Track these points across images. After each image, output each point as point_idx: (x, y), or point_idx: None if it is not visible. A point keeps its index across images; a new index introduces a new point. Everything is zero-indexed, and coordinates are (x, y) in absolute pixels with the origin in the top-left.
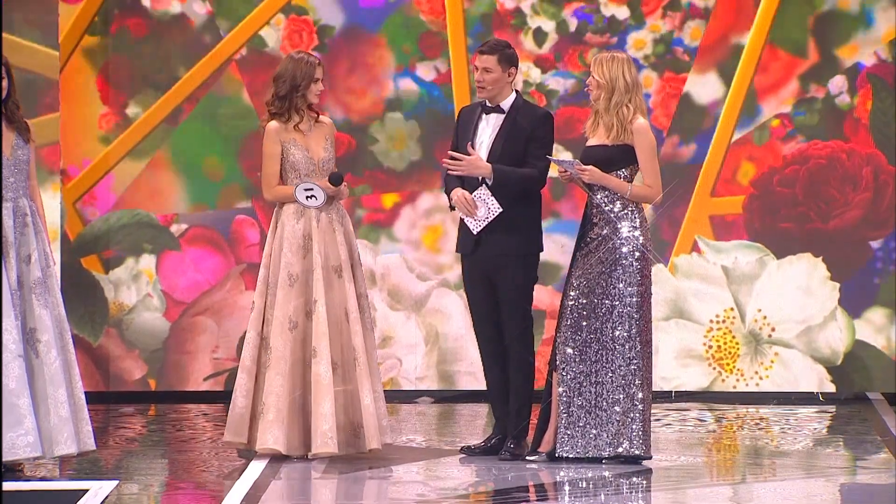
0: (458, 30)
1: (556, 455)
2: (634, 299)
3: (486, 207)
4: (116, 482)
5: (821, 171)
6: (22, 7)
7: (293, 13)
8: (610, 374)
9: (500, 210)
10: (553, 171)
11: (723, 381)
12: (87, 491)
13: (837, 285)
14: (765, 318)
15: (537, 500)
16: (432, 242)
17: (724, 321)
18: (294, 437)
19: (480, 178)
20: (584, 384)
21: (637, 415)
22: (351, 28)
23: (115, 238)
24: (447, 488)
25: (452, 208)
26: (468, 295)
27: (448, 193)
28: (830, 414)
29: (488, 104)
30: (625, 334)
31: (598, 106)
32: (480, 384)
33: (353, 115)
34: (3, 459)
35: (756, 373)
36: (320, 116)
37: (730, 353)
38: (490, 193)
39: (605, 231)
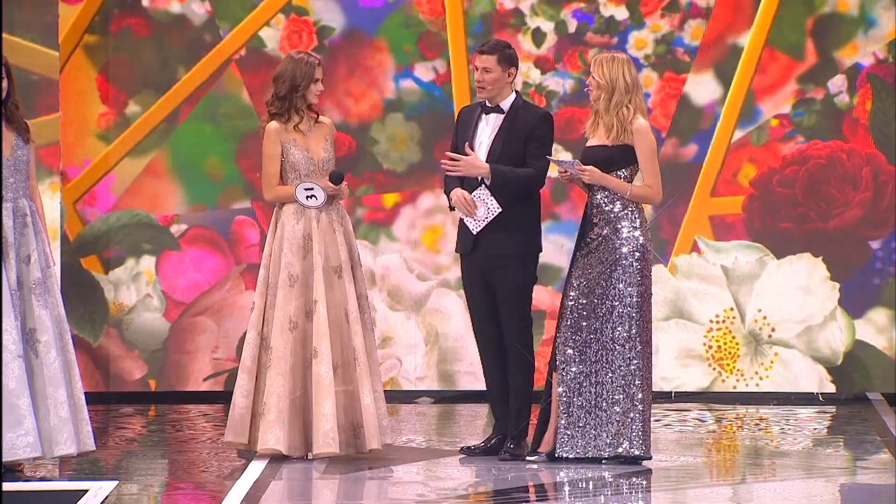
0: (458, 30)
1: (556, 455)
2: (634, 299)
3: (486, 207)
4: (116, 482)
5: (821, 171)
6: (22, 7)
7: (293, 13)
8: (610, 375)
9: (500, 210)
10: (553, 171)
11: (723, 381)
12: (86, 491)
13: (837, 285)
14: (765, 318)
15: (537, 501)
16: (432, 242)
17: (724, 321)
18: (295, 437)
19: (479, 178)
20: (584, 384)
21: (637, 415)
22: (351, 29)
23: (114, 238)
24: (447, 488)
25: (452, 208)
26: (467, 295)
27: (448, 194)
28: (830, 414)
29: (488, 104)
30: (625, 334)
31: (597, 106)
32: (480, 384)
33: (353, 117)
34: (3, 460)
35: (756, 373)
36: (320, 117)
37: (730, 353)
38: (489, 193)
39: (605, 231)
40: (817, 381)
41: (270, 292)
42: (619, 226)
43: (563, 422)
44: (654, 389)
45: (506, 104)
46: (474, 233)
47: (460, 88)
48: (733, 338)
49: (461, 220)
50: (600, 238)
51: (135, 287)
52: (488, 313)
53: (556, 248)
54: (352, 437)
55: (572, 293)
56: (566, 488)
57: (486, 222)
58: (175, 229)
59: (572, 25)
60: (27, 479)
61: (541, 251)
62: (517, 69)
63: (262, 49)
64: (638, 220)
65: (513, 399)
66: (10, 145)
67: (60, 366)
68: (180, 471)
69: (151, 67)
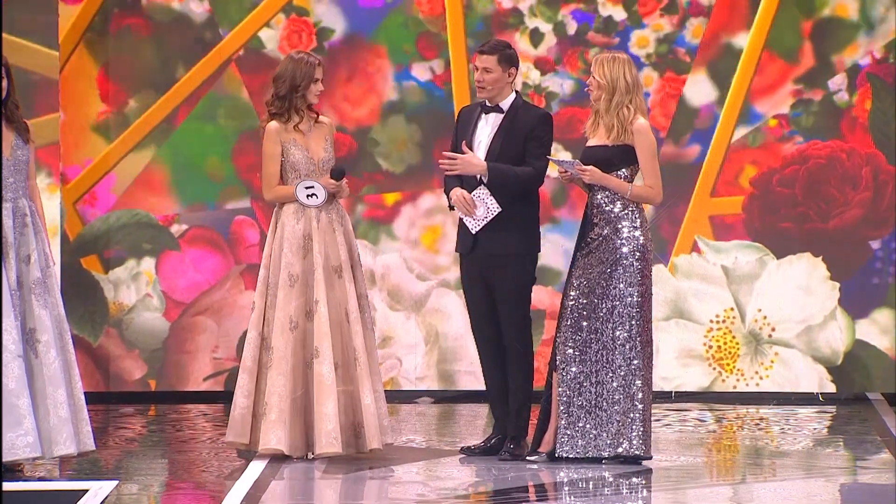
0: (458, 30)
1: (556, 455)
2: (635, 299)
3: (485, 207)
4: (116, 482)
5: (820, 171)
6: (22, 7)
7: (294, 13)
8: (610, 375)
9: (499, 210)
10: (553, 171)
11: (723, 381)
12: (86, 491)
13: (837, 285)
14: (765, 317)
15: (537, 501)
16: (431, 242)
17: (724, 321)
18: (296, 437)
19: (478, 177)
20: (585, 384)
21: (637, 415)
22: (351, 30)
23: (114, 238)
24: (447, 488)
25: (452, 208)
26: (466, 295)
27: (447, 193)
28: (830, 414)
29: (488, 104)
30: (625, 334)
31: (598, 106)
32: (480, 384)
33: (354, 118)
34: (3, 460)
35: (756, 373)
36: (320, 116)
37: (730, 353)
38: (489, 193)
39: (605, 231)
40: (817, 380)
41: (271, 292)
42: (620, 226)
43: (563, 422)
44: (654, 389)
45: (505, 104)
46: (473, 232)
47: (460, 88)
48: (733, 338)
49: (461, 220)
50: (601, 238)
51: (135, 287)
52: (487, 313)
53: (555, 249)
54: (352, 437)
55: (572, 293)
56: (566, 488)
57: (485, 222)
58: (175, 229)
59: (572, 27)
60: (27, 479)
61: (539, 251)
62: (517, 69)
63: (262, 49)
64: (638, 220)
65: (512, 399)
66: (10, 145)
67: (60, 366)
68: (180, 471)
69: (151, 67)
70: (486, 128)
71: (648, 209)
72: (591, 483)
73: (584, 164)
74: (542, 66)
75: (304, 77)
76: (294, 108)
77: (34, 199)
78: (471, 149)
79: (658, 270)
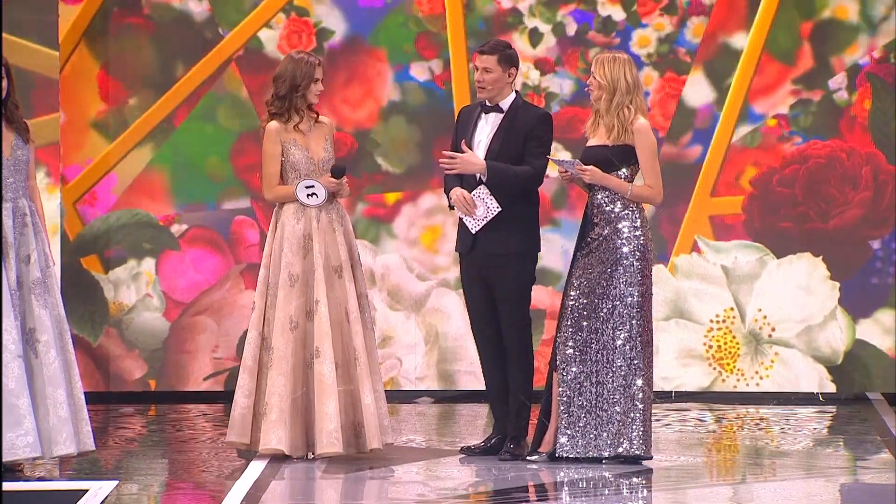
0: (458, 30)
1: (556, 455)
2: (635, 299)
3: (485, 206)
4: (116, 482)
5: (820, 171)
6: (22, 7)
7: (294, 13)
8: (610, 375)
9: (499, 209)
10: (553, 171)
11: (723, 381)
12: (86, 491)
13: (837, 285)
14: (765, 317)
15: (537, 501)
16: (430, 242)
17: (724, 321)
18: (296, 437)
19: (477, 176)
20: (585, 384)
21: (637, 415)
22: (351, 30)
23: (115, 238)
24: (447, 488)
25: (452, 207)
26: (466, 295)
27: (447, 193)
28: (830, 414)
29: (488, 104)
30: (625, 334)
31: (598, 106)
32: (480, 384)
33: (353, 120)
34: (3, 460)
35: (756, 373)
36: (320, 116)
37: (730, 352)
38: (489, 193)
39: (605, 231)
40: (817, 380)
41: (271, 292)
42: (620, 226)
43: (563, 422)
44: (654, 389)
45: (505, 104)
46: (473, 232)
47: (460, 88)
48: (733, 337)
49: (460, 220)
50: (601, 238)
51: (135, 287)
52: (487, 313)
53: (555, 250)
54: (353, 437)
55: (573, 293)
56: (566, 488)
57: (485, 221)
58: (175, 229)
59: (572, 28)
60: (27, 479)
61: (539, 251)
62: (517, 69)
63: (262, 50)
64: (639, 220)
65: (512, 399)
66: (10, 145)
67: (60, 366)
68: (180, 471)
69: (151, 67)
70: (486, 127)
71: (648, 209)
72: (591, 483)
73: (585, 164)
74: (542, 66)
75: (304, 77)
76: (294, 108)
77: (34, 198)
78: (470, 148)
79: (658, 270)
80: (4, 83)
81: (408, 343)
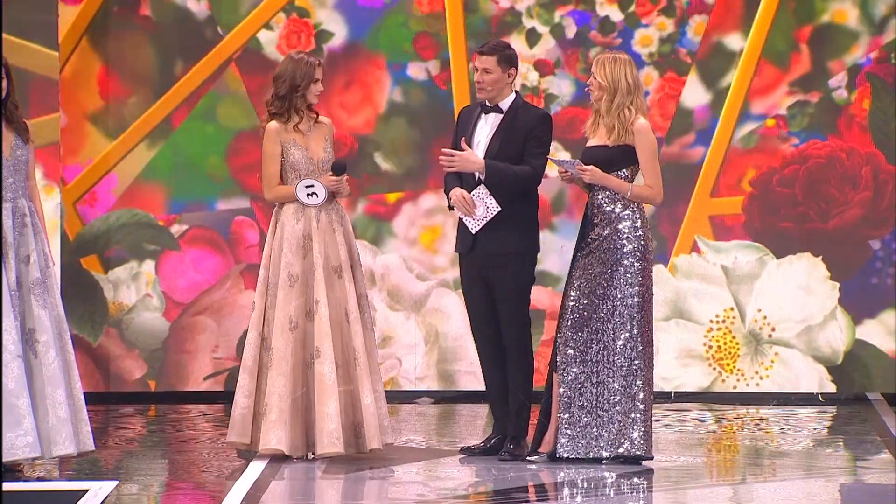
0: (458, 30)
1: (557, 455)
2: (635, 300)
3: (485, 206)
4: (116, 482)
5: (820, 171)
6: (22, 7)
7: (294, 14)
8: (611, 375)
9: (499, 209)
10: (553, 172)
11: (723, 381)
12: (86, 491)
13: (837, 285)
14: (765, 317)
15: (537, 501)
16: (429, 242)
17: (724, 321)
18: (296, 437)
19: (476, 176)
20: (586, 385)
21: (638, 415)
22: (351, 30)
23: (114, 238)
24: (447, 488)
25: (451, 207)
26: (465, 295)
27: (447, 193)
28: (830, 414)
29: (487, 104)
30: (626, 335)
31: (598, 106)
32: (480, 384)
33: (354, 120)
34: (3, 460)
35: (756, 373)
36: (320, 116)
37: (730, 353)
38: (489, 193)
39: (605, 231)
40: (817, 380)
41: (270, 292)
42: (620, 226)
43: (563, 422)
44: (654, 390)
45: (505, 104)
46: (473, 232)
47: (460, 88)
48: (733, 338)
49: (460, 220)
50: (601, 238)
51: (134, 287)
52: (487, 313)
53: (555, 251)
54: (352, 437)
55: (573, 293)
56: (566, 489)
57: (484, 221)
58: (175, 229)
59: (571, 30)
60: (27, 480)
61: (539, 251)
62: (517, 70)
63: (261, 49)
64: (639, 221)
65: (512, 399)
66: (10, 145)
67: (59, 366)
68: (180, 471)
69: (151, 67)
70: (486, 128)
71: (649, 209)
72: (591, 483)
73: (585, 165)
74: (542, 68)
75: (304, 77)
76: (294, 108)
77: (33, 199)
78: (469, 147)
79: (658, 270)
80: (4, 83)
81: (408, 343)
